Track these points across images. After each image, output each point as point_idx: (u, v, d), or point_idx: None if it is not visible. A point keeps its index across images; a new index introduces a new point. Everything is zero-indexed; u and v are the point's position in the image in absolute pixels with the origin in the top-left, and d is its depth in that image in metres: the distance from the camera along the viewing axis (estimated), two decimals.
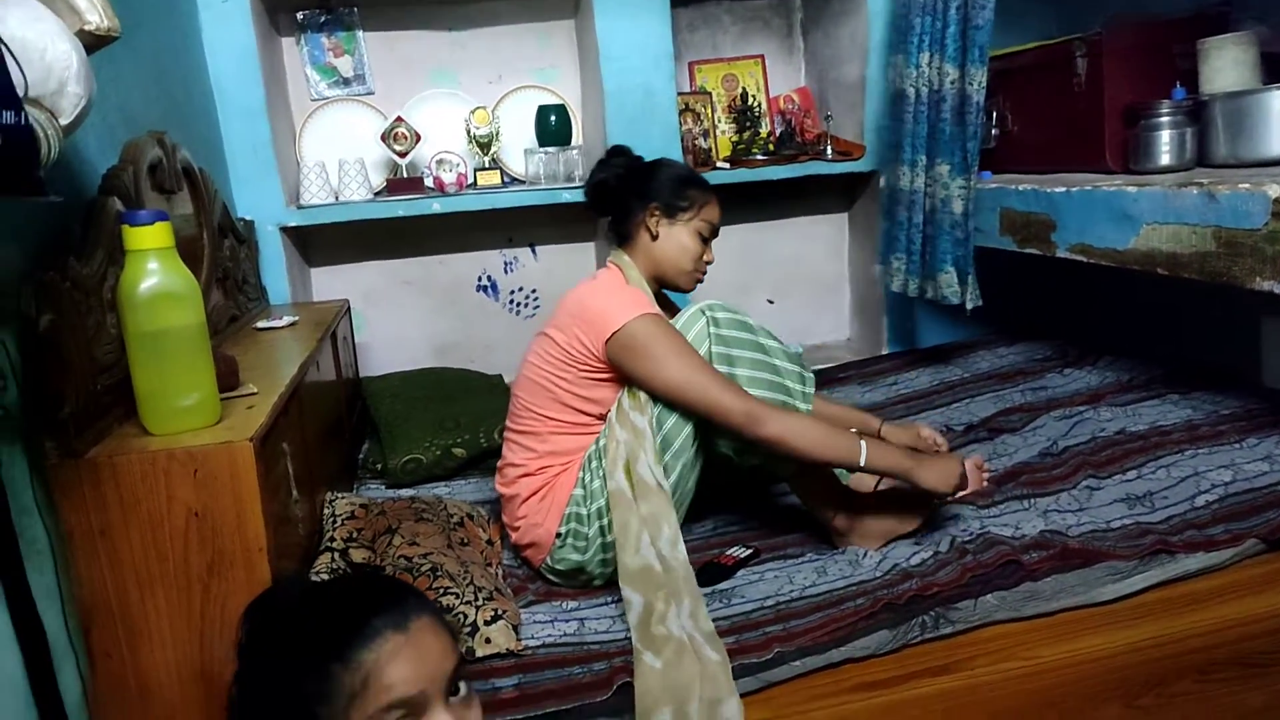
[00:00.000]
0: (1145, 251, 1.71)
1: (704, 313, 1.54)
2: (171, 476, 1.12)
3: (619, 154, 1.72)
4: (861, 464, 1.43)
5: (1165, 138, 1.82)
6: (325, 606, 0.78)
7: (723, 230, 2.78)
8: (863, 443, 1.44)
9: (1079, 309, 2.70)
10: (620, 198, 1.66)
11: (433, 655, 0.76)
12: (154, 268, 1.15)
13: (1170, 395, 1.91)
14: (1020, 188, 2.04)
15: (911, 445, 1.62)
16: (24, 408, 1.08)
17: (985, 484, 1.70)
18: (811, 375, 1.55)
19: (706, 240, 1.66)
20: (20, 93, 0.90)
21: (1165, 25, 1.96)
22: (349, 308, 2.39)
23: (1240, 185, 1.48)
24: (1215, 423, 1.75)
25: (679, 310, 1.65)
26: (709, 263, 1.68)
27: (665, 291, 1.73)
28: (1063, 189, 1.91)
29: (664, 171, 1.67)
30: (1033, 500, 1.63)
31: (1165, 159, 1.82)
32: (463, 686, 0.79)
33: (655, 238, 1.63)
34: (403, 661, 0.74)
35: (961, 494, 1.67)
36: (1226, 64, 1.80)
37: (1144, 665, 1.39)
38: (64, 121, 1.01)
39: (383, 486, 1.97)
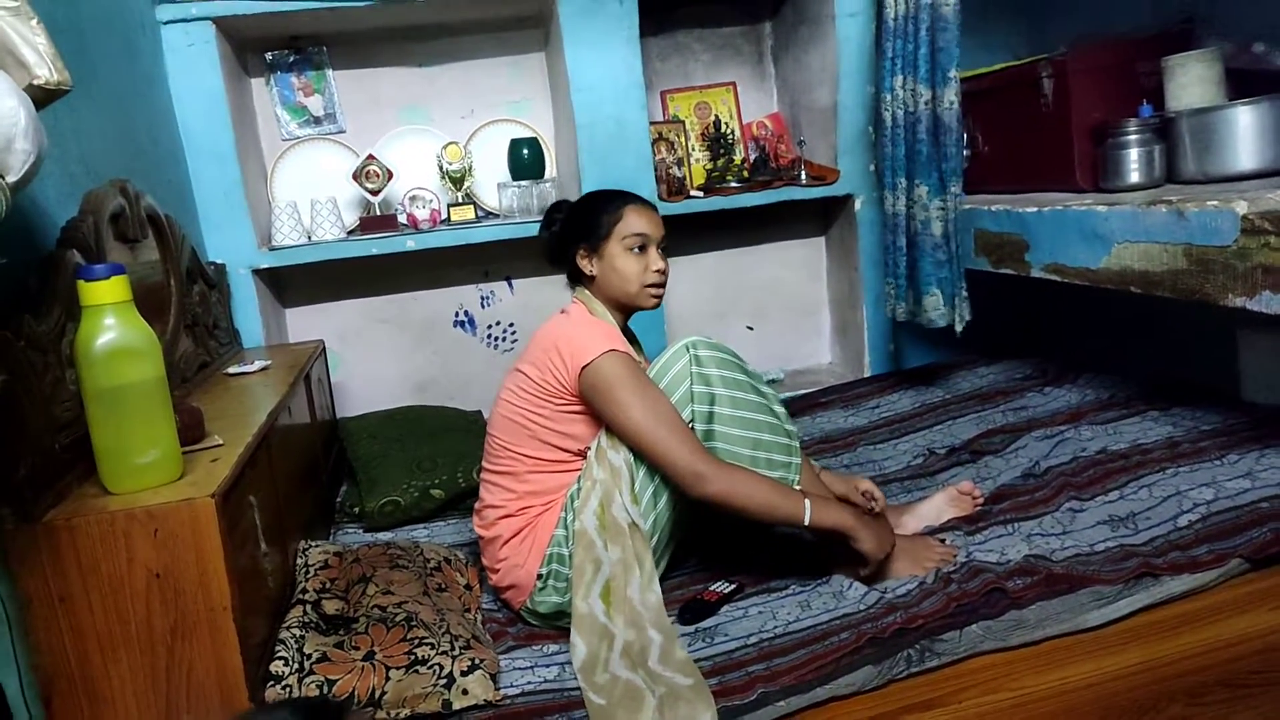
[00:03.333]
0: (1118, 270, 1.71)
1: (688, 350, 1.52)
2: (131, 538, 1.09)
3: (558, 209, 1.71)
4: (806, 522, 1.44)
5: (1134, 155, 1.82)
6: None
7: (699, 258, 2.82)
8: (807, 501, 1.44)
9: (1058, 327, 2.70)
10: (562, 249, 1.66)
11: None
12: (110, 323, 1.13)
13: (1150, 412, 1.90)
14: (993, 208, 2.04)
15: (844, 497, 1.61)
16: None
17: (976, 508, 1.70)
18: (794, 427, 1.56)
19: (642, 250, 1.59)
20: None
21: (1130, 44, 1.98)
22: (324, 348, 2.37)
23: (1209, 203, 1.48)
24: (1196, 439, 1.74)
25: (637, 343, 1.64)
26: (659, 271, 1.60)
27: (630, 326, 1.71)
28: (1034, 209, 1.92)
29: (579, 207, 1.66)
30: (1016, 524, 1.61)
31: (1134, 176, 1.83)
32: None
33: (593, 272, 1.61)
34: None
35: (951, 516, 1.67)
36: (1191, 80, 1.81)
37: (1133, 691, 1.37)
38: (12, 179, 0.99)
39: (360, 530, 1.94)
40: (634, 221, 1.60)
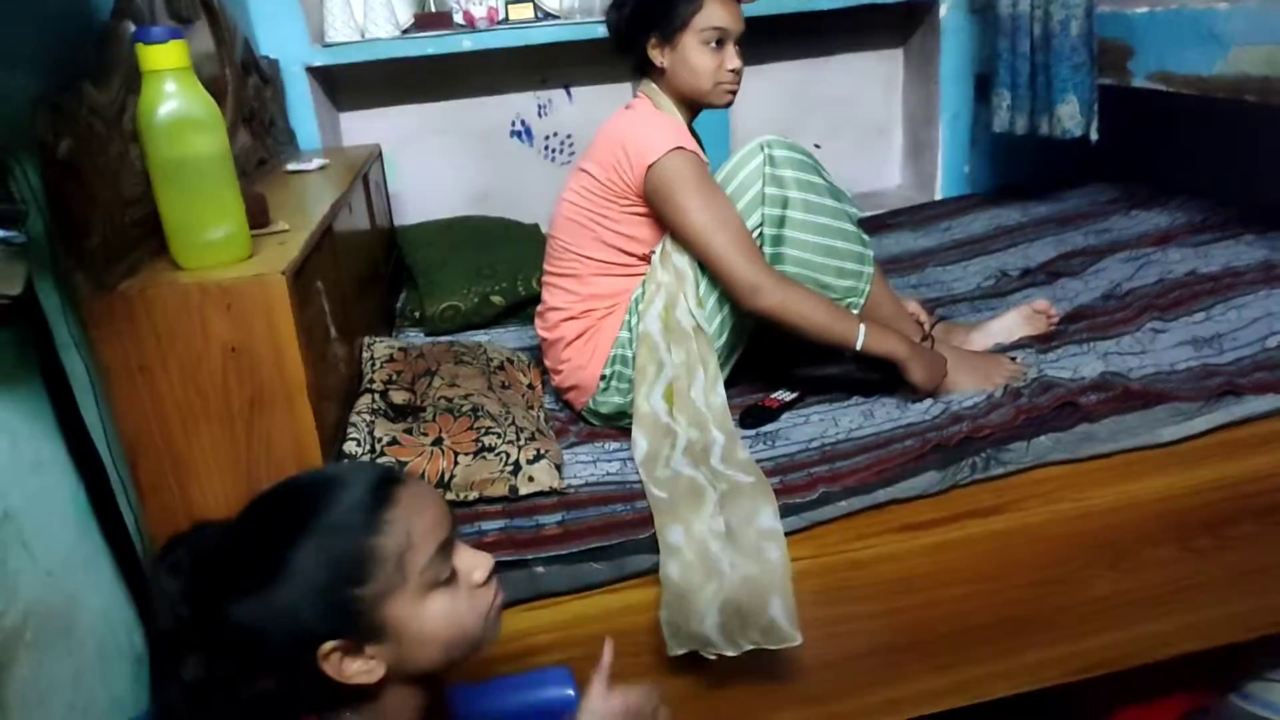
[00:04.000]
0: (1234, 77, 1.57)
1: (762, 149, 1.45)
2: (205, 311, 1.10)
3: None
4: (858, 347, 1.40)
5: None
6: (315, 496, 0.73)
7: (765, 69, 2.66)
8: (862, 327, 1.40)
9: (1151, 148, 2.53)
10: (631, 36, 1.53)
11: (437, 499, 0.78)
12: (172, 89, 1.09)
13: (1245, 235, 1.80)
14: (1098, 9, 1.87)
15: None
16: (51, 238, 1.04)
17: (1052, 327, 1.65)
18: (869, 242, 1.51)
19: (719, 46, 1.49)
20: None
21: None
22: (380, 153, 2.32)
23: None
24: None
25: (702, 146, 1.55)
26: (733, 70, 1.50)
27: (695, 128, 1.61)
28: (1145, 9, 1.75)
29: None
30: (1092, 344, 1.56)
31: None
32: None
33: (665, 64, 1.50)
34: (428, 506, 0.75)
35: (1023, 334, 1.61)
36: None
37: (1202, 508, 1.36)
38: None
39: (422, 334, 1.95)
40: (714, 13, 1.47)
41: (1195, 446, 1.35)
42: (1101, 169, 2.38)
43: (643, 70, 1.56)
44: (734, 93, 1.53)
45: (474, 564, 0.77)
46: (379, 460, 1.24)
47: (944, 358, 1.46)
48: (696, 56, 1.48)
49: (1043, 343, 1.59)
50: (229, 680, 0.70)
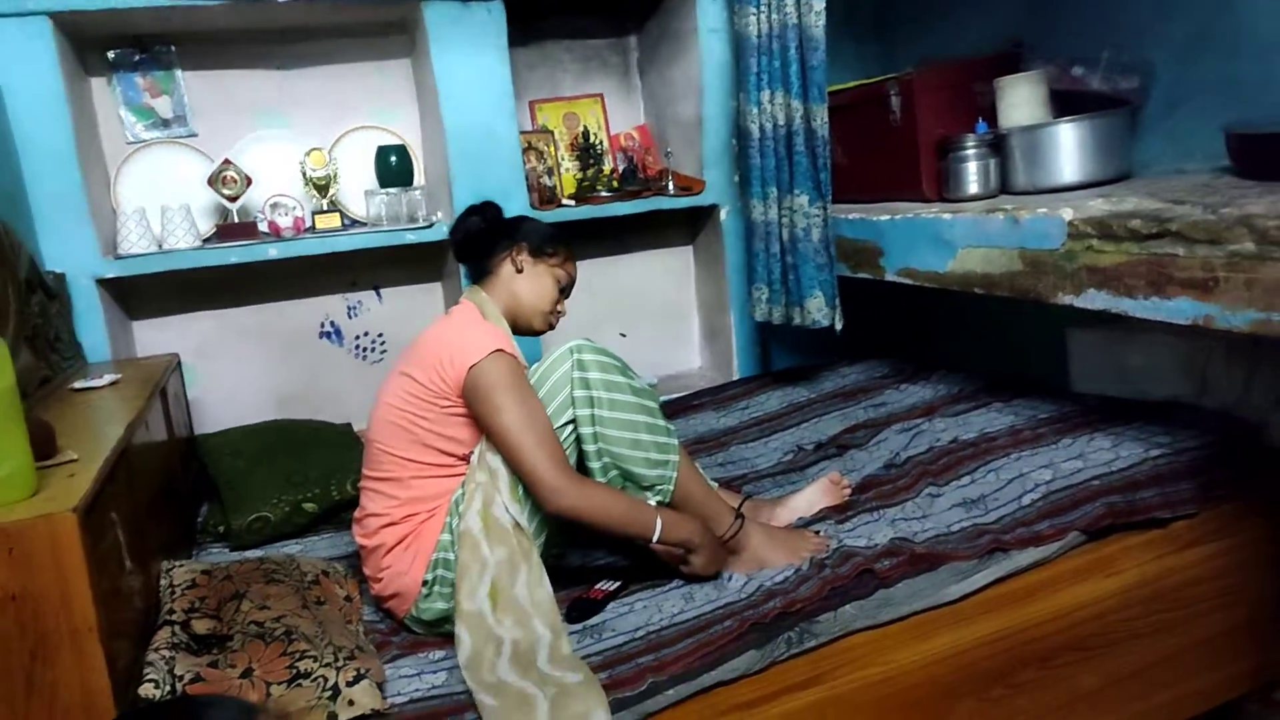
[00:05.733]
0: (962, 273, 1.85)
1: (572, 353, 1.55)
2: None
3: (490, 207, 1.76)
4: (654, 540, 1.49)
5: (972, 168, 1.98)
6: None
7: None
8: (658, 519, 1.49)
9: (912, 328, 2.88)
10: (487, 241, 1.70)
11: None
12: None
13: (994, 404, 2.06)
14: (850, 217, 2.17)
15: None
16: None
17: (845, 497, 1.79)
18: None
19: (563, 293, 1.73)
20: None
21: (968, 65, 2.14)
22: (179, 362, 2.25)
23: (1039, 210, 1.63)
24: (1035, 426, 1.90)
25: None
26: (562, 314, 1.75)
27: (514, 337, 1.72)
28: (887, 217, 2.04)
29: (532, 223, 1.76)
30: (882, 511, 1.71)
31: (974, 188, 1.98)
32: None
33: (520, 271, 1.67)
34: None
35: (822, 506, 1.75)
36: (1020, 100, 1.98)
37: (991, 658, 1.49)
38: None
39: (226, 550, 1.85)
40: (574, 270, 1.76)
41: (976, 601, 1.49)
42: (876, 346, 2.67)
43: (480, 276, 1.68)
44: (553, 327, 1.73)
45: None
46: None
47: (726, 552, 1.56)
48: (551, 285, 1.69)
49: (840, 513, 1.73)
50: None
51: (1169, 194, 1.52)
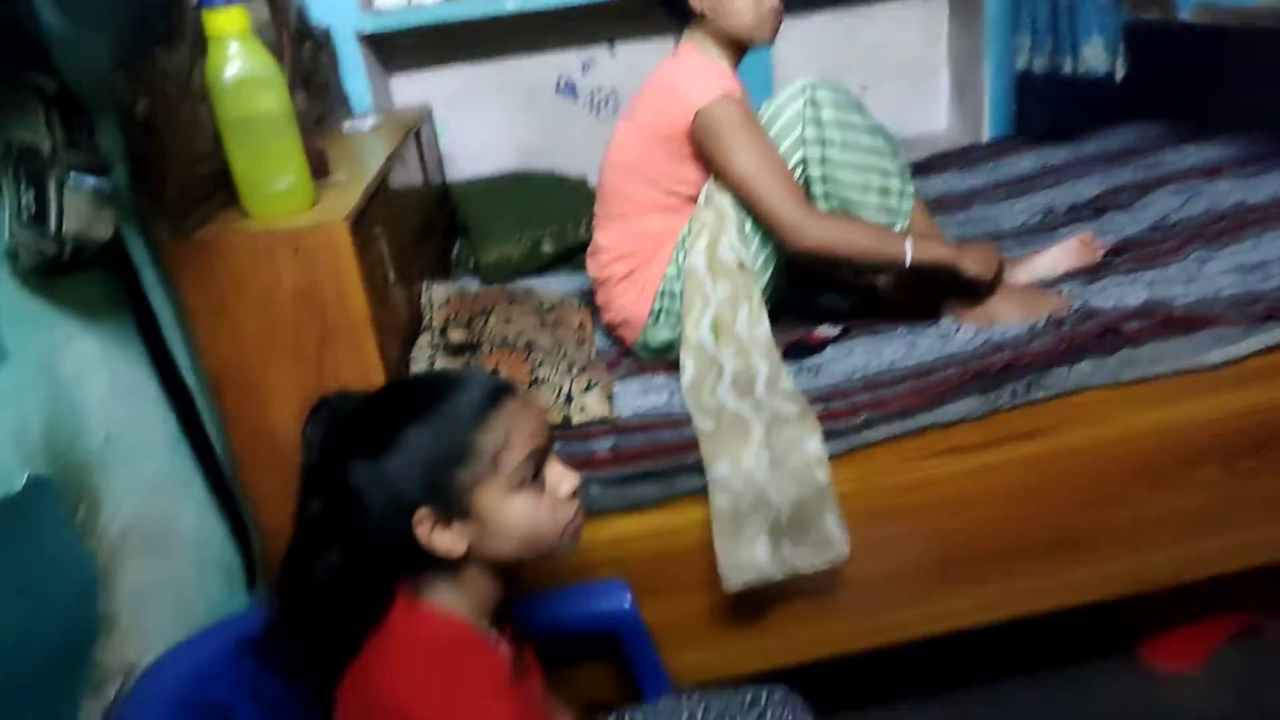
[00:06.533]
0: (1276, 6, 1.54)
1: (804, 91, 1.47)
2: (275, 255, 1.17)
3: None
4: (908, 262, 1.42)
5: None
6: (437, 390, 0.85)
7: (807, 16, 2.65)
8: (908, 242, 1.42)
9: (1195, 84, 2.47)
10: None
11: (541, 415, 0.88)
12: (235, 52, 1.16)
13: None
14: None
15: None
16: (133, 189, 1.13)
17: (1097, 259, 1.65)
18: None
19: None
20: None
21: None
22: (430, 113, 2.38)
23: None
24: None
25: (746, 92, 1.56)
26: (772, 7, 1.51)
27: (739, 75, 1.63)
28: None
29: None
30: (1138, 274, 1.56)
31: None
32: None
33: (705, 13, 1.51)
34: (530, 417, 0.85)
35: (1069, 267, 1.62)
36: None
37: (1247, 430, 1.36)
38: None
39: (476, 281, 2.02)
40: None
41: (1239, 370, 1.35)
42: (1145, 108, 2.33)
43: (684, 19, 1.58)
44: (777, 26, 1.54)
45: (562, 478, 0.87)
46: None
47: (993, 245, 1.47)
48: None
49: (1089, 275, 1.60)
50: (341, 527, 0.82)
51: None
